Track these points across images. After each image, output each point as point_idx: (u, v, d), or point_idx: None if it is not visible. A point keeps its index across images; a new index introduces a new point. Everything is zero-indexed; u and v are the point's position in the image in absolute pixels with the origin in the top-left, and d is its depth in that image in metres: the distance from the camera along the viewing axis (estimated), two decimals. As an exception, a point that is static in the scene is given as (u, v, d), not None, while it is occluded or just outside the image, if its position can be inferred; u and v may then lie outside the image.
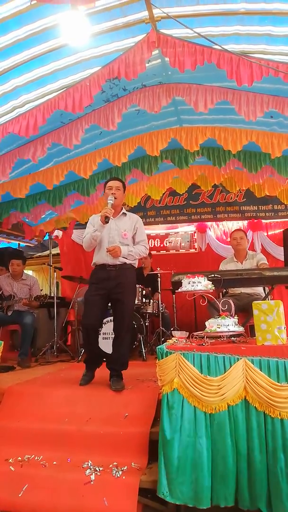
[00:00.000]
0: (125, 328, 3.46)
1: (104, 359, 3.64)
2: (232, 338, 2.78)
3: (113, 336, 3.54)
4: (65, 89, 3.75)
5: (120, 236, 3.45)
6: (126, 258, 3.44)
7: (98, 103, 4.15)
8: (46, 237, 8.06)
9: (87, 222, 3.69)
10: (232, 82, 3.41)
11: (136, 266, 3.58)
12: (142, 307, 5.55)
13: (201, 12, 3.39)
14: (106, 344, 4.54)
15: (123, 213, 3.57)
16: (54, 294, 6.29)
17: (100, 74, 3.57)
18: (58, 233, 8.03)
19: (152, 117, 4.78)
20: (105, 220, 3.29)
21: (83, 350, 5.00)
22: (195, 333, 2.85)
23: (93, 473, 2.51)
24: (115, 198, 3.43)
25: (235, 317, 2.76)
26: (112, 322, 4.25)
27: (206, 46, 3.31)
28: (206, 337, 2.69)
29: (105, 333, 4.93)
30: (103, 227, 3.36)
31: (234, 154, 4.98)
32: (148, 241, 7.75)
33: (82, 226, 6.71)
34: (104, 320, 4.82)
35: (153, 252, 7.34)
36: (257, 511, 2.25)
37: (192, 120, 4.84)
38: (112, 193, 3.44)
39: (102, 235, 3.44)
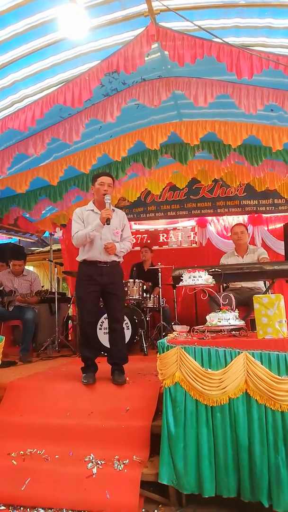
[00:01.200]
0: (121, 320, 3.55)
1: (105, 354, 3.66)
2: (233, 332, 2.78)
3: None
4: (64, 83, 3.73)
5: (112, 234, 3.45)
6: (117, 255, 3.47)
7: (98, 98, 4.13)
8: (47, 234, 8.06)
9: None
10: (232, 75, 3.38)
11: (121, 261, 3.61)
12: (142, 301, 5.55)
13: (201, 4, 3.36)
14: (107, 339, 4.54)
15: (112, 209, 3.49)
16: (55, 290, 6.30)
17: (99, 68, 3.54)
18: (58, 233, 8.03)
19: (152, 111, 4.75)
20: (106, 222, 3.27)
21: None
22: (196, 327, 2.86)
23: (95, 467, 2.52)
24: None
25: (235, 311, 2.76)
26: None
27: (206, 39, 3.28)
28: (207, 331, 2.69)
29: (106, 328, 4.93)
30: (103, 227, 3.34)
31: (234, 148, 4.96)
32: (148, 236, 7.88)
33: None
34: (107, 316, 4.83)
35: (154, 247, 7.34)
36: (258, 503, 2.27)
37: (192, 114, 4.82)
38: (104, 190, 3.38)
39: None
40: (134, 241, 7.79)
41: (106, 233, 3.41)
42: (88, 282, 3.41)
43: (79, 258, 3.51)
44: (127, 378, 3.38)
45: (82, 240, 3.37)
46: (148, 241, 7.83)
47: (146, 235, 7.95)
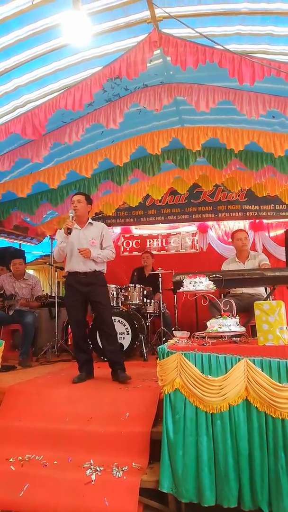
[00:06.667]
0: (108, 323, 3.78)
1: (104, 358, 3.76)
2: (234, 338, 2.77)
3: (120, 333, 3.91)
4: (66, 89, 3.75)
5: (89, 244, 3.73)
6: (96, 263, 3.70)
7: (100, 103, 4.16)
8: (47, 239, 8.06)
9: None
10: (234, 81, 3.40)
11: (105, 271, 3.86)
12: (143, 307, 5.55)
13: (203, 12, 3.39)
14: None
15: (90, 223, 3.86)
16: (55, 294, 6.29)
17: (102, 73, 3.57)
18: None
19: (154, 117, 4.77)
20: (68, 231, 3.58)
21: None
22: (196, 333, 2.85)
23: (94, 473, 2.50)
24: (76, 210, 3.72)
25: (236, 317, 2.75)
26: (118, 322, 4.59)
27: (208, 46, 3.31)
28: (208, 337, 2.68)
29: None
30: (67, 238, 3.65)
31: (235, 153, 4.98)
32: (149, 241, 7.87)
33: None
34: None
35: (154, 252, 7.34)
36: (258, 510, 2.25)
37: (193, 120, 4.84)
38: (74, 206, 3.73)
39: (72, 244, 3.71)
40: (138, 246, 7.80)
41: (83, 244, 3.71)
42: (70, 291, 3.76)
43: (65, 271, 3.86)
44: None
45: (57, 253, 3.79)
46: (149, 246, 7.84)
47: (140, 240, 7.94)
